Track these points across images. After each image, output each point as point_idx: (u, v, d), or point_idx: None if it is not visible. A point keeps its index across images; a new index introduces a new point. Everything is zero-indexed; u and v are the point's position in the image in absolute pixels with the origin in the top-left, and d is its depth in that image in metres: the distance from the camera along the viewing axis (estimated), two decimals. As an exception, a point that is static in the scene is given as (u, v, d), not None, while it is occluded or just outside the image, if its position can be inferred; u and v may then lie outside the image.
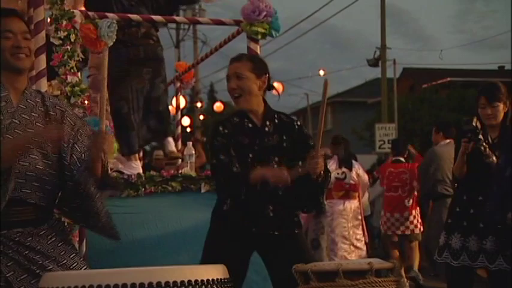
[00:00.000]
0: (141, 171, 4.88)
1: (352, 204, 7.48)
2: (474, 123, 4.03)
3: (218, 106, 20.43)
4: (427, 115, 11.24)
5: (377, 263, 2.59)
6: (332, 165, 7.28)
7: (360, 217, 7.53)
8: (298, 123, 3.53)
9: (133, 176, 4.40)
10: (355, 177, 7.65)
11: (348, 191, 7.43)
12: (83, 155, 2.69)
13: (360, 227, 7.53)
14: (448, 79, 22.93)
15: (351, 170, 7.65)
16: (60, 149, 2.68)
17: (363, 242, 7.48)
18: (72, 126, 2.75)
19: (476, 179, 4.07)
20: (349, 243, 7.29)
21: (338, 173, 7.36)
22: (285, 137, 3.25)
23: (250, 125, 3.24)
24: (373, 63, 18.71)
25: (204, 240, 3.34)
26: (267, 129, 3.25)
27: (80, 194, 2.66)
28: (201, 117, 17.47)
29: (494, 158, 3.96)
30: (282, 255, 3.16)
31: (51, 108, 2.76)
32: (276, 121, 3.27)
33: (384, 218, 7.94)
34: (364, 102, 26.33)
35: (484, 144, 3.98)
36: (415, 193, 7.68)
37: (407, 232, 7.66)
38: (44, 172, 2.63)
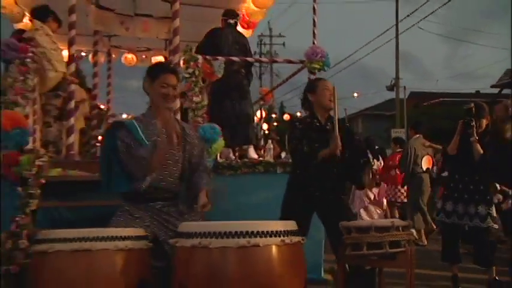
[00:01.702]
0: (256, 156, 5.89)
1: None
2: (471, 107, 4.63)
3: (286, 117, 25.35)
4: (427, 123, 13.29)
5: (397, 221, 3.22)
6: None
7: (382, 186, 8.61)
8: (347, 124, 4.29)
9: (233, 161, 5.31)
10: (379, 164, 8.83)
11: (374, 175, 8.22)
12: (197, 161, 3.38)
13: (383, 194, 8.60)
14: (441, 99, 28.99)
15: (378, 160, 8.85)
16: (184, 158, 3.32)
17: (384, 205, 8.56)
18: (192, 143, 3.39)
19: (465, 163, 4.71)
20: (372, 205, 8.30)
21: None
22: (341, 132, 3.71)
23: (317, 124, 3.86)
24: (390, 88, 24.58)
25: (280, 204, 3.92)
26: (327, 127, 3.84)
27: (191, 183, 3.33)
28: (275, 123, 19.55)
29: (478, 146, 4.54)
30: (334, 213, 3.65)
31: (181, 130, 3.39)
32: (333, 123, 3.78)
33: (389, 190, 9.10)
34: (384, 114, 31.05)
35: (472, 124, 4.53)
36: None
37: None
38: (174, 171, 3.28)
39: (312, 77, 5.39)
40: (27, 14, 7.10)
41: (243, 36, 6.58)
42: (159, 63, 3.58)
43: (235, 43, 6.15)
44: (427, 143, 8.39)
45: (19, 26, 7.22)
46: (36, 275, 2.70)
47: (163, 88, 3.22)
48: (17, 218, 3.87)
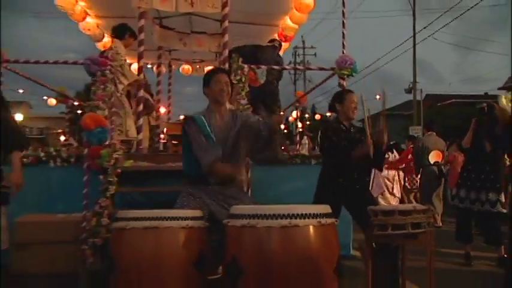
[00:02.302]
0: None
1: (391, 172, 8.50)
2: (484, 106, 4.54)
3: (317, 116, 25.15)
4: (440, 122, 12.96)
5: (418, 206, 3.10)
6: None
7: (396, 178, 8.52)
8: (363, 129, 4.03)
9: None
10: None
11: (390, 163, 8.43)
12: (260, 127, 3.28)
13: (397, 184, 8.49)
14: (453, 100, 28.17)
15: (392, 152, 8.71)
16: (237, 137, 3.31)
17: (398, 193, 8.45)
18: (244, 117, 3.42)
19: (477, 156, 4.64)
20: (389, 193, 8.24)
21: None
22: (359, 135, 3.83)
23: (343, 128, 3.90)
24: (408, 91, 24.38)
25: (314, 192, 3.92)
26: (352, 130, 3.91)
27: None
28: (308, 122, 19.40)
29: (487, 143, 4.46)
30: (361, 199, 3.62)
31: (235, 116, 3.40)
32: (355, 128, 3.93)
33: (407, 178, 9.05)
34: (402, 114, 29.91)
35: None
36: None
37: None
38: (237, 153, 3.31)
39: (342, 82, 5.39)
40: (106, 34, 7.45)
41: (281, 57, 6.89)
42: (211, 69, 3.60)
43: (275, 62, 6.38)
44: (440, 140, 8.19)
45: (100, 44, 7.59)
46: (116, 247, 2.77)
47: (218, 84, 3.26)
48: (99, 201, 4.03)
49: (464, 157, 5.11)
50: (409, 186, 9.12)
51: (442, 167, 8.01)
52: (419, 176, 8.67)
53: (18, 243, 3.93)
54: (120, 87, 5.37)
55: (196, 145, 3.20)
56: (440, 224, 7.89)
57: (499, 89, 24.09)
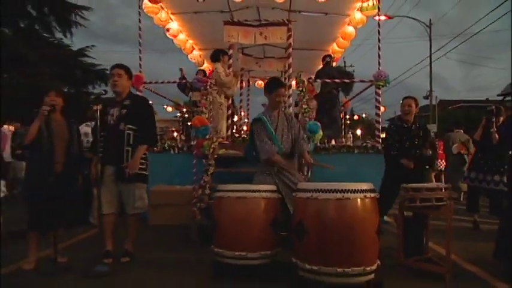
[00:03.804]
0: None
1: None
2: (492, 108, 4.23)
3: (355, 117, 23.51)
4: (450, 122, 11.98)
5: (441, 184, 3.12)
6: None
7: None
8: (425, 126, 3.89)
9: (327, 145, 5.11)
10: None
11: None
12: (297, 134, 3.23)
13: None
14: (461, 104, 26.44)
15: None
16: (291, 133, 3.21)
17: None
18: (293, 123, 3.28)
19: (486, 146, 4.27)
20: None
21: None
22: (420, 132, 3.67)
23: (405, 126, 3.70)
24: (426, 97, 22.03)
25: (355, 173, 4.00)
26: (413, 127, 3.68)
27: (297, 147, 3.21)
28: (348, 122, 18.64)
29: (496, 135, 4.05)
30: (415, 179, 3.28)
31: (290, 118, 3.34)
32: (416, 125, 3.71)
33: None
34: (422, 115, 29.03)
35: (492, 120, 4.11)
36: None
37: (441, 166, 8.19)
38: (288, 142, 3.19)
39: (378, 91, 5.17)
40: (205, 61, 7.62)
41: (335, 69, 6.69)
42: (274, 80, 3.37)
43: (331, 75, 6.16)
44: (465, 136, 7.51)
45: (203, 67, 7.75)
46: (217, 210, 2.81)
47: (278, 97, 3.16)
48: (203, 177, 4.16)
49: (475, 147, 4.76)
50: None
51: (464, 156, 7.34)
52: (443, 162, 8.23)
53: (152, 204, 4.19)
54: (222, 97, 5.32)
55: (257, 140, 3.12)
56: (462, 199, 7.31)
57: (498, 95, 21.68)
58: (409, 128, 3.68)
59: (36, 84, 9.57)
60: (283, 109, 3.27)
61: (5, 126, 6.93)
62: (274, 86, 3.20)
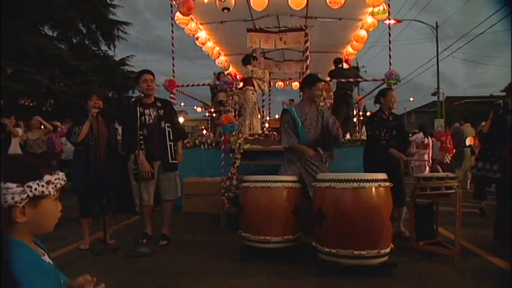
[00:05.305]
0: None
1: (426, 151, 7.87)
2: (500, 102, 4.01)
3: (368, 113, 21.20)
4: (456, 116, 11.28)
5: (450, 174, 2.82)
6: (419, 135, 8.12)
7: (427, 158, 7.84)
8: (400, 117, 3.63)
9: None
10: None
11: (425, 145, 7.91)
12: (331, 128, 3.05)
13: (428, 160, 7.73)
14: (466, 100, 25.69)
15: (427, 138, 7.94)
16: (322, 127, 3.04)
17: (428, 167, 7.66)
18: (327, 117, 3.09)
19: (493, 140, 4.03)
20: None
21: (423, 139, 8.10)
22: (397, 123, 3.45)
23: (384, 117, 3.44)
24: (433, 94, 21.47)
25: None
26: (391, 119, 3.44)
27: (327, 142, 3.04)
28: (361, 118, 17.98)
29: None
30: (395, 169, 3.16)
31: (321, 112, 3.11)
32: (393, 116, 3.48)
33: (440, 154, 8.21)
34: (429, 110, 27.80)
35: (499, 113, 3.86)
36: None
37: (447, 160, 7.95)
38: (315, 135, 3.04)
39: (390, 90, 4.87)
40: (231, 65, 7.62)
41: (348, 69, 6.50)
42: (312, 75, 3.24)
43: (345, 75, 6.03)
44: (472, 129, 7.19)
45: (228, 72, 7.75)
46: (243, 199, 2.82)
47: (318, 91, 3.03)
48: (230, 170, 4.17)
49: (479, 140, 4.62)
50: (441, 160, 8.35)
51: (473, 147, 7.05)
52: (451, 155, 7.91)
53: (186, 194, 4.27)
54: (254, 96, 5.30)
55: (283, 129, 3.02)
56: (468, 188, 6.99)
57: (502, 91, 20.34)
58: (388, 119, 3.47)
59: (87, 91, 10.01)
60: (318, 104, 3.12)
61: (62, 127, 7.19)
62: (314, 80, 3.09)
